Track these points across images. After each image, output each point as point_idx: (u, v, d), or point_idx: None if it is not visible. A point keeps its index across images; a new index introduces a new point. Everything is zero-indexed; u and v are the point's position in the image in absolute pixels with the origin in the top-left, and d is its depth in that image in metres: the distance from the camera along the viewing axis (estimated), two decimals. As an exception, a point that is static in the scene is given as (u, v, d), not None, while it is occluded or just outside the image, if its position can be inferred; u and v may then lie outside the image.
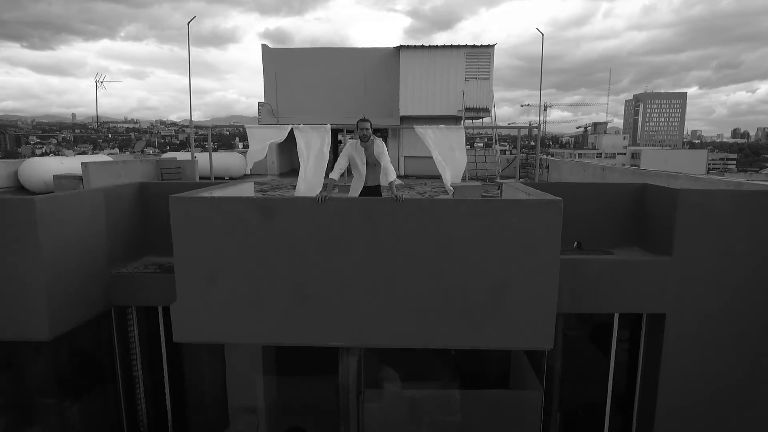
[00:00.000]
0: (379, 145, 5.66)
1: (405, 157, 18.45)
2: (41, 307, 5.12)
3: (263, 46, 18.54)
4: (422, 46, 17.28)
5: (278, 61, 18.30)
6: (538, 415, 5.19)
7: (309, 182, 8.73)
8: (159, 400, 6.98)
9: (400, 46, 17.39)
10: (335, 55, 18.50)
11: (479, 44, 16.97)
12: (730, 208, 5.73)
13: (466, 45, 17.02)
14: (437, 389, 5.46)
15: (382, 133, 19.43)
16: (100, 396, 6.36)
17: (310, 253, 4.94)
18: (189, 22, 13.53)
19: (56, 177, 12.84)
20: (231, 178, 17.84)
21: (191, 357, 6.88)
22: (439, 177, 13.60)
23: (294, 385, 6.38)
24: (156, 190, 7.12)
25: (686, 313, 5.87)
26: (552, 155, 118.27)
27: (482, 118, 17.83)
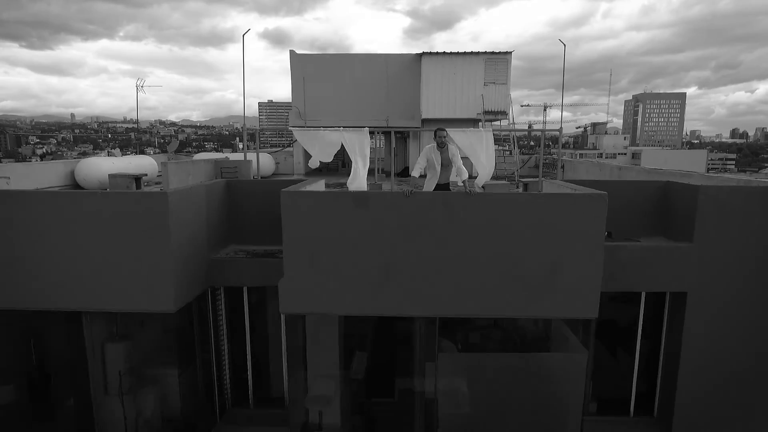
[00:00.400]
0: (453, 150, 6.69)
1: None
2: (169, 284, 6.14)
3: (291, 52, 19.57)
4: (443, 53, 18.31)
5: (306, 66, 19.32)
6: (583, 373, 6.22)
7: (360, 179, 9.77)
8: (241, 369, 8.00)
9: (422, 53, 18.42)
10: (359, 60, 19.53)
11: (497, 51, 18.01)
12: (742, 202, 6.76)
13: (485, 52, 18.05)
14: (496, 353, 6.48)
15: (404, 133, 20.46)
16: (196, 364, 7.36)
17: (396, 237, 5.96)
18: (244, 35, 14.55)
19: (111, 176, 13.81)
20: (263, 177, 18.83)
21: (272, 330, 7.90)
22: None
23: (366, 353, 7.39)
24: (239, 187, 8.14)
25: (705, 291, 6.90)
26: (554, 155, 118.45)
27: (500, 120, 18.85)
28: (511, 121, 18.77)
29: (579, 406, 6.45)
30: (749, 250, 6.81)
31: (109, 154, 15.50)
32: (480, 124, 18.51)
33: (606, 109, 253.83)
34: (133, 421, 6.73)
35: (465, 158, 10.38)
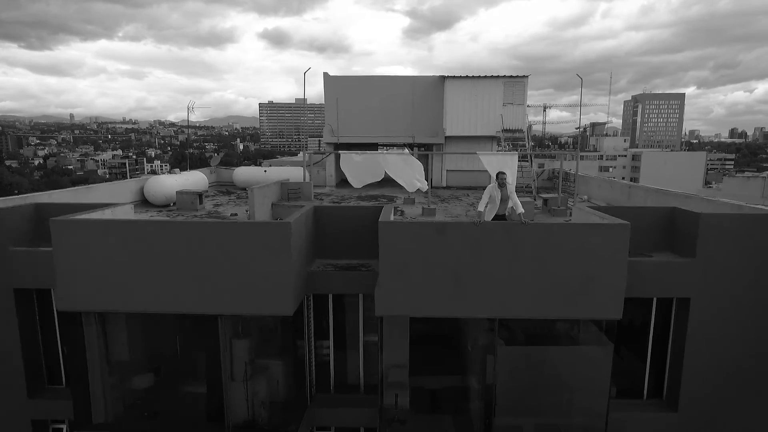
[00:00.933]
0: (510, 189, 8.47)
1: (447, 170, 21.24)
2: (289, 294, 7.91)
3: (325, 74, 21.34)
4: (465, 77, 20.09)
5: (338, 87, 21.08)
6: (609, 362, 7.99)
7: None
8: (325, 361, 9.77)
9: (446, 77, 20.21)
10: (387, 82, 21.29)
11: (515, 75, 19.79)
12: (736, 226, 8.54)
13: (504, 75, 19.82)
14: (541, 346, 8.26)
15: (427, 147, 22.22)
16: (295, 357, 9.12)
17: (465, 256, 7.73)
18: (305, 72, 16.30)
19: (179, 193, 15.62)
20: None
21: (350, 329, 9.66)
22: (474, 188, 16.63)
23: (431, 349, 9.16)
24: (324, 212, 9.91)
25: (705, 297, 8.68)
26: (554, 157, 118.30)
27: (517, 136, 20.61)
28: (527, 138, 20.52)
29: (606, 389, 8.23)
30: (742, 265, 8.59)
31: (171, 173, 17.20)
32: (500, 140, 20.31)
33: (606, 109, 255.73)
34: (251, 402, 8.50)
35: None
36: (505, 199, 8.45)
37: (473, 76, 20.15)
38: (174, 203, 15.88)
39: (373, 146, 22.34)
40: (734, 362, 8.89)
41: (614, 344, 8.17)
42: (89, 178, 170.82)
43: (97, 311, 8.31)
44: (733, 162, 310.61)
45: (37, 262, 9.10)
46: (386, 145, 23.99)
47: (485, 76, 20.05)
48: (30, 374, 9.56)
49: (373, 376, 9.57)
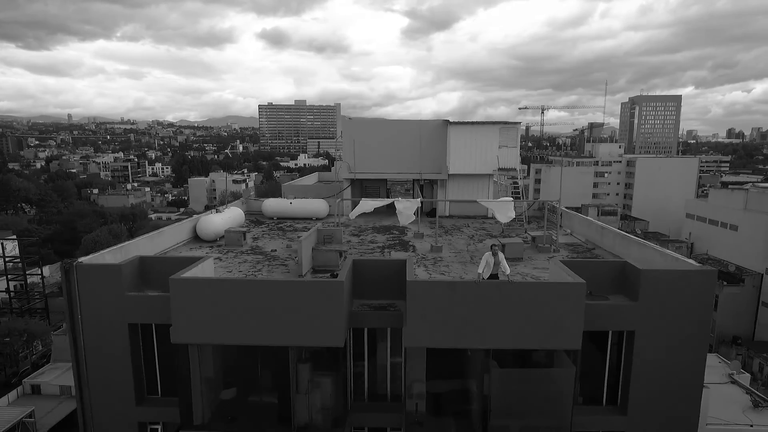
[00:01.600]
0: (501, 256, 11.53)
1: (450, 201, 24.30)
2: (341, 330, 10.97)
3: (343, 117, 24.41)
4: (466, 123, 23.17)
5: (354, 129, 24.12)
6: (572, 380, 11.07)
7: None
8: (361, 376, 12.81)
9: (449, 122, 23.27)
10: (397, 125, 24.33)
11: (509, 121, 22.88)
12: (667, 278, 11.62)
13: (499, 122, 22.90)
14: (522, 369, 11.34)
15: (432, 182, 25.26)
16: (339, 377, 12.15)
17: (470, 304, 10.80)
18: (339, 110, 19.30)
19: (227, 231, 18.65)
20: (317, 219, 23.65)
21: (380, 353, 12.69)
22: (473, 216, 20.09)
23: (444, 368, 12.21)
24: (361, 263, 12.95)
25: (646, 331, 11.75)
26: (552, 162, 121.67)
27: (511, 174, 23.59)
28: (519, 176, 23.53)
29: (570, 399, 11.30)
30: (673, 306, 11.66)
31: (217, 211, 20.16)
32: (494, 177, 23.39)
33: (602, 110, 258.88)
34: (310, 409, 11.57)
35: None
36: (497, 263, 11.51)
37: (473, 122, 23.23)
38: (221, 238, 18.89)
39: (383, 182, 25.40)
40: (668, 378, 11.98)
41: (578, 366, 11.26)
42: (93, 182, 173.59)
43: (199, 343, 11.36)
44: (728, 164, 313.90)
45: (143, 304, 12.16)
46: (395, 181, 26.97)
47: (484, 122, 23.14)
48: (137, 387, 12.60)
49: (398, 389, 12.66)
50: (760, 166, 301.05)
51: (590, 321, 11.33)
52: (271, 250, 17.78)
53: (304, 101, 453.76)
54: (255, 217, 24.11)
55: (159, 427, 13.02)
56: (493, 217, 20.68)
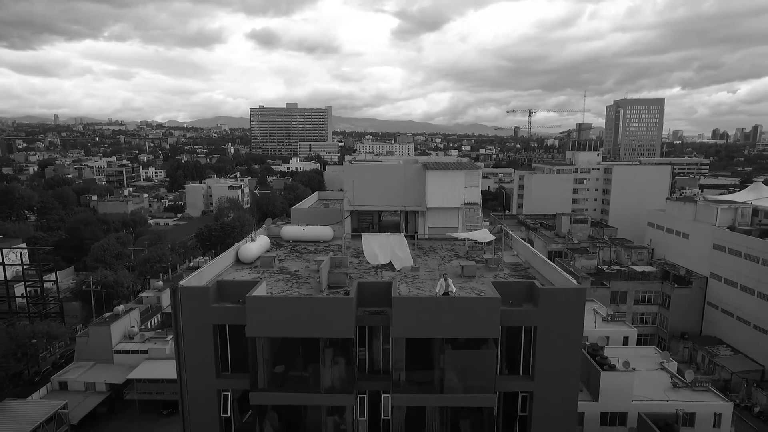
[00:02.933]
0: (450, 281, 18.48)
1: (429, 227, 31.24)
2: (351, 328, 17.89)
3: (345, 163, 31.24)
4: (440, 168, 30.10)
5: (354, 171, 30.98)
6: (494, 358, 18.07)
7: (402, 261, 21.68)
8: (363, 358, 19.70)
9: (427, 167, 30.20)
10: (387, 168, 31.21)
11: (473, 167, 29.90)
12: (555, 293, 18.69)
13: (465, 167, 29.90)
14: (466, 350, 18.32)
15: (415, 212, 32.14)
16: (350, 357, 18.97)
17: (432, 310, 17.78)
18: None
19: (262, 256, 25.44)
20: (324, 241, 30.43)
21: (375, 343, 19.59)
22: (446, 238, 27.13)
23: (416, 350, 19.15)
24: (364, 285, 19.85)
25: (544, 326, 18.77)
26: (534, 169, 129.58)
27: (475, 208, 30.48)
28: (479, 212, 30.46)
29: (493, 369, 18.28)
30: (560, 309, 18.67)
31: (252, 240, 26.82)
32: (461, 209, 30.39)
33: (590, 112, 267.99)
34: (331, 377, 18.46)
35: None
36: (447, 285, 18.42)
37: (445, 167, 30.19)
38: (257, 260, 25.62)
39: (377, 212, 32.32)
40: (558, 357, 19.00)
41: (497, 349, 18.25)
42: (90, 188, 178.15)
43: (263, 336, 18.18)
44: (708, 166, 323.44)
45: (222, 312, 18.94)
46: (386, 212, 33.84)
47: (453, 167, 30.12)
48: (216, 366, 19.37)
49: (387, 365, 19.53)
50: (739, 168, 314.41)
51: (508, 320, 18.35)
52: (295, 270, 24.60)
53: (295, 104, 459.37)
54: (275, 240, 30.84)
55: (229, 393, 19.76)
56: (461, 241, 27.79)
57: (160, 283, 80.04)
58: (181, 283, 19.29)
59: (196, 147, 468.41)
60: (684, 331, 60.35)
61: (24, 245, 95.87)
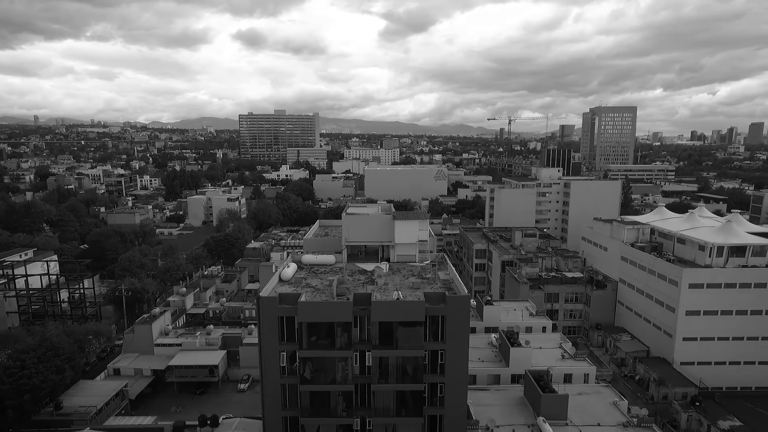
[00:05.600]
0: (399, 294, 36.66)
1: (397, 255, 49.40)
2: (350, 314, 36.15)
3: (343, 215, 49.21)
4: (407, 218, 48.25)
5: (349, 220, 48.92)
6: (422, 333, 36.42)
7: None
8: (356, 331, 38.02)
9: (395, 218, 48.33)
10: (369, 217, 49.24)
11: (425, 217, 48.09)
12: (452, 300, 37.16)
13: (422, 218, 48.08)
14: (409, 326, 36.61)
15: (389, 246, 50.50)
16: (349, 332, 37.09)
17: (392, 306, 36.13)
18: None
19: (295, 276, 43.53)
20: (329, 264, 48.46)
21: (363, 324, 37.89)
22: (407, 262, 46.75)
23: (382, 329, 37.47)
24: (358, 295, 38.21)
25: (451, 317, 37.16)
26: (504, 184, 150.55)
27: (424, 243, 48.59)
28: (428, 243, 48.77)
29: (421, 338, 36.64)
30: (457, 308, 37.02)
31: (288, 266, 44.57)
32: (418, 244, 48.77)
33: (575, 113, 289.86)
34: (341, 342, 36.75)
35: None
36: (398, 296, 36.55)
37: (406, 217, 48.37)
38: (292, 278, 43.57)
39: (364, 246, 50.51)
40: (458, 331, 37.34)
41: (425, 327, 36.59)
42: (96, 199, 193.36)
43: (306, 321, 36.29)
44: (674, 173, 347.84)
45: (283, 309, 37.02)
46: (369, 245, 51.93)
47: (412, 217, 48.34)
48: (279, 337, 37.39)
49: (369, 336, 37.73)
50: (704, 174, 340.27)
51: (431, 312, 36.64)
52: (315, 286, 42.65)
53: (284, 110, 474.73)
54: (299, 264, 48.79)
55: (285, 353, 37.73)
56: (419, 264, 46.10)
57: (183, 289, 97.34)
58: (261, 294, 37.28)
59: (185, 152, 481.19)
60: (599, 323, 79.71)
61: (55, 257, 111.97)
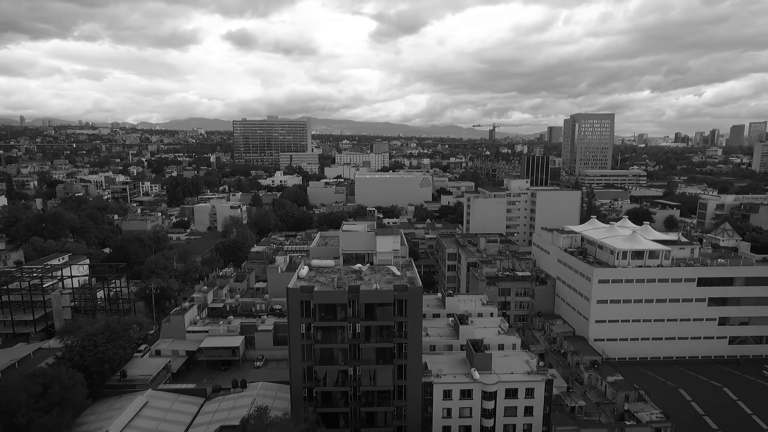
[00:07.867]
0: (377, 287, 58.74)
1: (378, 260, 71.53)
2: (346, 298, 58.34)
3: (340, 231, 71.07)
4: (387, 233, 70.08)
5: (345, 234, 70.63)
6: (392, 312, 58.63)
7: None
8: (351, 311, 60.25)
9: (376, 233, 70.18)
10: (359, 234, 70.91)
11: (397, 233, 69.94)
12: (411, 290, 59.49)
13: (394, 232, 69.89)
14: (383, 307, 58.75)
15: (372, 253, 72.84)
16: (347, 311, 59.20)
17: (377, 292, 58.45)
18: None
19: (308, 275, 65.63)
20: (330, 267, 70.47)
21: (355, 306, 60.12)
22: (386, 264, 70.35)
23: (367, 309, 59.65)
24: (353, 289, 60.52)
25: (410, 300, 59.37)
26: (479, 193, 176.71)
27: (397, 252, 70.41)
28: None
29: (391, 318, 58.90)
30: (415, 295, 59.24)
31: (303, 267, 66.18)
32: (393, 253, 71.04)
33: (567, 112, 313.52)
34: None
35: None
36: (376, 288, 58.60)
37: (384, 233, 70.33)
38: (306, 276, 65.49)
39: (354, 253, 72.48)
40: (415, 311, 59.52)
41: (394, 309, 58.79)
42: (107, 206, 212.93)
43: (319, 302, 58.39)
44: (646, 178, 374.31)
45: (303, 296, 59.07)
46: (358, 252, 74.00)
47: (388, 233, 70.34)
48: (300, 314, 59.45)
49: (358, 313, 59.88)
50: (675, 178, 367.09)
51: (398, 297, 58.74)
52: (323, 282, 64.63)
53: (276, 116, 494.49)
54: (308, 267, 70.70)
55: (305, 324, 59.75)
56: (393, 266, 68.27)
57: (205, 287, 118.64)
58: (289, 287, 59.28)
59: (178, 155, 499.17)
60: (541, 312, 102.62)
61: (87, 261, 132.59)
